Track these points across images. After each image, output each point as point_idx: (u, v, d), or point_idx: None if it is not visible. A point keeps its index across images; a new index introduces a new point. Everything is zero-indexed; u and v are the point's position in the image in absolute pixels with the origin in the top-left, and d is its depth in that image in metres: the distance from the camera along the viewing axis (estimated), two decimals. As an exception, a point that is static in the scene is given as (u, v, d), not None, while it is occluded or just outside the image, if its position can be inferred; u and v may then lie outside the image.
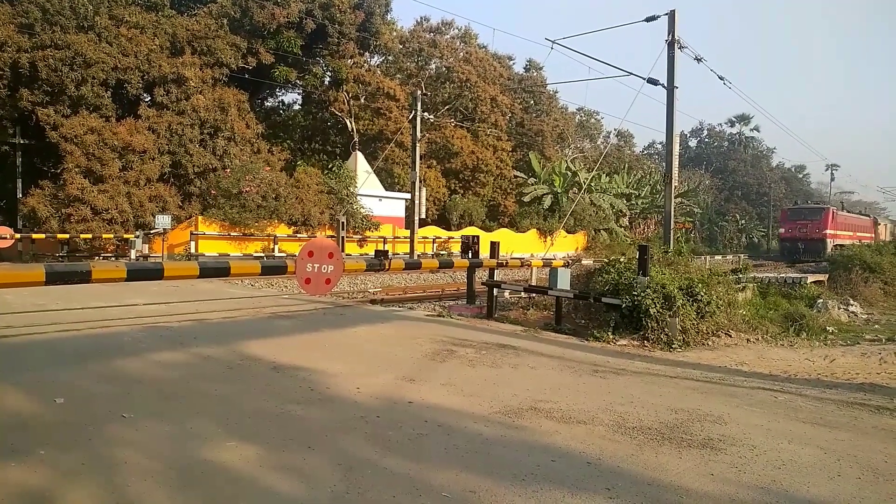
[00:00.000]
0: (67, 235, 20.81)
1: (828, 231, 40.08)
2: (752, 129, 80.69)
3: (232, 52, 26.46)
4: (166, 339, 7.63)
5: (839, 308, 14.03)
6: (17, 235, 19.82)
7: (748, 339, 9.58)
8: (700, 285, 9.42)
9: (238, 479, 3.66)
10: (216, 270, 8.44)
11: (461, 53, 40.72)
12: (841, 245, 38.63)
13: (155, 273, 7.32)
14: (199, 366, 6.40)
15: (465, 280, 13.12)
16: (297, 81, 32.45)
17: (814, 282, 18.02)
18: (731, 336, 9.49)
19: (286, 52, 28.70)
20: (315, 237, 24.07)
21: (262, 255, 24.55)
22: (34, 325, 8.33)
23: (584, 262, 14.86)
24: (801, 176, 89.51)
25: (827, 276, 20.71)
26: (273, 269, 8.91)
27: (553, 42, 16.92)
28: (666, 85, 17.11)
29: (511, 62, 46.38)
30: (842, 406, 5.80)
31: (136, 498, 3.35)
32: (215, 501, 3.37)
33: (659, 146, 72.88)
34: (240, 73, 27.52)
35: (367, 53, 35.56)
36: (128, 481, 3.55)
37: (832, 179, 76.04)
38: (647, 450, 4.37)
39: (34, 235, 20.53)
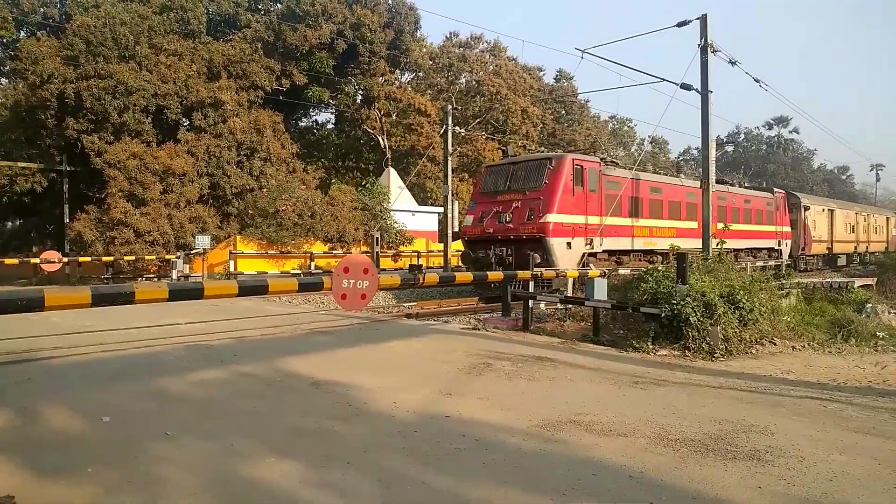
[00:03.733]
0: (112, 258, 21.46)
1: (551, 219, 16.10)
2: (791, 132, 79.00)
3: (266, 74, 27.08)
4: (207, 358, 7.76)
5: (889, 312, 13.52)
6: (65, 259, 20.51)
7: (793, 347, 9.29)
8: (742, 292, 9.19)
9: (278, 495, 3.68)
10: (255, 289, 8.56)
11: (491, 67, 40.85)
12: (640, 253, 19.18)
13: (195, 293, 7.47)
14: (238, 383, 6.49)
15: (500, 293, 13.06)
16: (330, 101, 33.00)
17: (861, 286, 17.42)
18: (775, 344, 9.22)
19: (319, 72, 29.23)
20: (350, 253, 24.32)
21: (299, 272, 24.87)
22: (81, 345, 8.57)
23: (622, 271, 14.64)
24: (844, 177, 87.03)
25: (875, 279, 20.00)
26: (310, 285, 9.00)
27: (583, 51, 16.85)
28: (700, 90, 16.87)
29: (541, 73, 46.39)
30: (896, 415, 5.57)
31: (179, 514, 3.41)
32: (256, 518, 3.40)
33: (695, 152, 71.73)
34: (274, 94, 28.11)
35: (397, 71, 35.97)
36: (171, 499, 3.61)
37: (878, 180, 73.79)
38: (691, 462, 4.26)
39: (81, 258, 21.22)
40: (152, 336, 9.39)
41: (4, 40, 28.25)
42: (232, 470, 4.04)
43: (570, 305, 11.23)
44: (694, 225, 20.94)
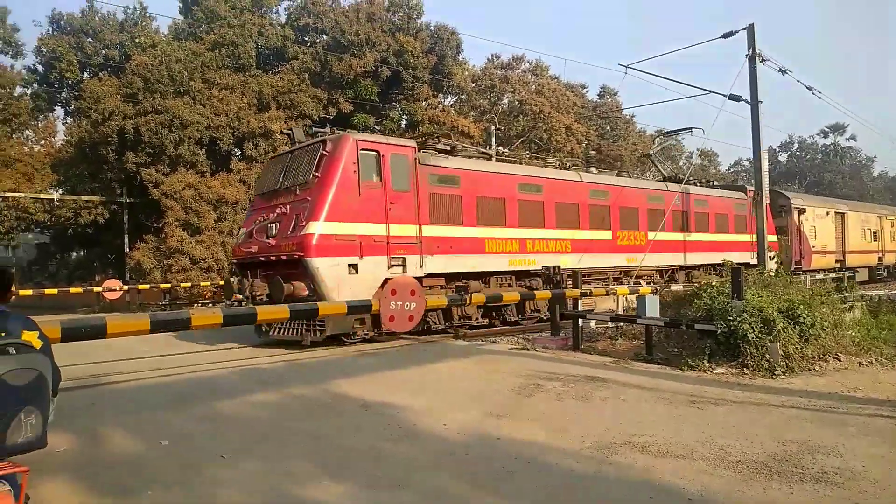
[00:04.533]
0: (169, 285, 22.18)
1: (315, 229, 10.92)
2: (847, 139, 76.06)
3: (314, 104, 27.80)
4: (259, 381, 7.91)
5: (966, 326, 12.74)
6: (126, 287, 21.30)
7: (860, 363, 8.84)
8: (802, 307, 8.84)
9: (331, 517, 3.70)
10: (305, 312, 8.72)
11: (533, 86, 40.90)
12: (506, 276, 14.14)
13: (248, 318, 7.66)
14: (290, 405, 6.58)
15: (548, 311, 12.92)
16: (375, 127, 33.60)
17: (933, 298, 16.50)
18: (839, 360, 8.80)
19: (364, 99, 29.83)
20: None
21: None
22: (141, 370, 8.88)
23: (674, 287, 14.29)
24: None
25: (948, 291, 18.92)
26: (359, 308, 9.10)
27: (626, 67, 16.73)
28: (749, 100, 16.50)
29: (584, 90, 46.12)
30: (977, 434, 5.22)
31: (235, 536, 3.46)
32: (309, 540, 3.42)
33: (746, 163, 69.83)
34: (322, 123, 28.80)
35: (440, 94, 36.38)
36: (227, 520, 3.67)
37: (946, 186, 70.09)
38: (755, 485, 4.09)
39: (140, 286, 22.00)
40: (208, 360, 9.65)
41: (70, 82, 29.86)
42: (286, 492, 4.09)
43: (622, 323, 11.01)
44: (608, 235, 16.32)
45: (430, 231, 12.34)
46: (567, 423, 5.68)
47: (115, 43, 29.83)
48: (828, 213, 25.51)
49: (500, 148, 27.17)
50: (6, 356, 2.50)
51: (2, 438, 2.45)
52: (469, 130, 34.90)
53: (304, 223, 10.96)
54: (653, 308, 9.91)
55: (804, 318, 8.64)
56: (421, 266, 12.11)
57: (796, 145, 79.43)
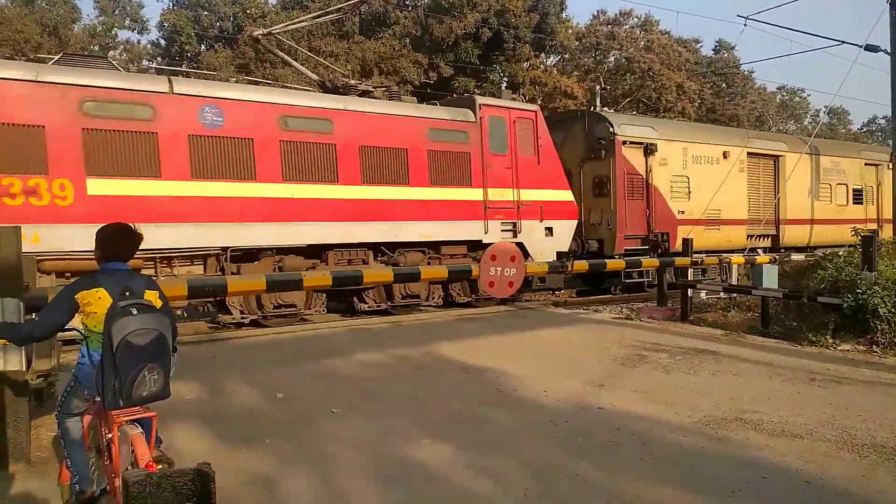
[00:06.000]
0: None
1: None
2: None
3: (415, 69, 27.95)
4: (366, 340, 8.21)
5: None
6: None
7: None
8: (945, 280, 8.00)
9: (433, 476, 3.81)
10: (408, 276, 8.96)
11: (641, 43, 38.92)
12: None
13: (355, 279, 7.96)
14: (395, 366, 6.79)
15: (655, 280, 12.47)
16: (476, 91, 33.35)
17: None
18: None
19: (464, 63, 29.62)
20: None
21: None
22: (258, 327, 9.46)
23: (794, 257, 13.32)
24: None
25: None
26: (459, 273, 9.19)
27: (746, 18, 15.52)
28: (889, 51, 14.86)
29: (698, 45, 43.33)
30: None
31: (344, 490, 3.65)
32: (414, 499, 3.54)
33: (882, 121, 63.39)
34: (422, 88, 28.93)
35: (542, 54, 35.45)
36: (337, 474, 3.87)
37: None
38: (883, 471, 3.80)
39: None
40: (318, 319, 10.13)
41: (189, 54, 31.71)
42: (390, 450, 4.25)
43: (735, 294, 10.45)
44: None
45: None
46: (674, 395, 5.50)
47: (229, 15, 31.21)
48: (725, 155, 14.85)
49: (606, 109, 26.25)
50: (129, 317, 2.71)
51: (129, 392, 2.68)
52: (573, 91, 33.88)
53: None
54: (770, 279, 9.34)
55: (948, 293, 7.82)
56: None
57: (944, 99, 70.96)
